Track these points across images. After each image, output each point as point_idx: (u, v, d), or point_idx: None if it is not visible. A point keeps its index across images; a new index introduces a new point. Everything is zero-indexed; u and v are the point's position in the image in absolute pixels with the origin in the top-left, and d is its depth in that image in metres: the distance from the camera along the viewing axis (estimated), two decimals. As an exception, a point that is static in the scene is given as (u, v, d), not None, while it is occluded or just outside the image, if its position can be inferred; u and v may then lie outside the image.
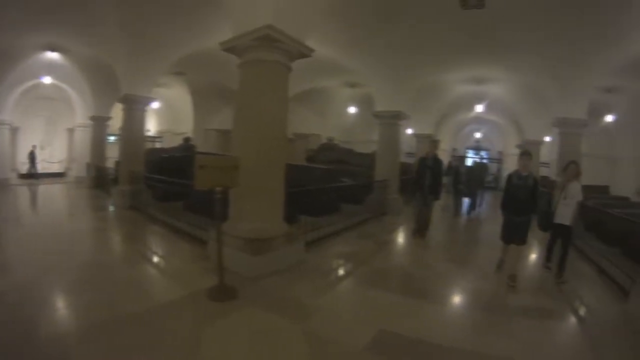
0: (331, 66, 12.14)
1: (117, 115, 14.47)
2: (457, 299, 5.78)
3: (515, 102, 16.98)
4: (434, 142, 9.39)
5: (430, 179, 8.74)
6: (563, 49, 9.25)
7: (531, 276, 6.94)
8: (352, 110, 20.41)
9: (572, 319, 5.25)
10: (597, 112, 15.41)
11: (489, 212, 14.88)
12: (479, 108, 17.94)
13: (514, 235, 6.30)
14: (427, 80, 13.00)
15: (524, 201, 6.14)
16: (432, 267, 7.08)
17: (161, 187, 9.69)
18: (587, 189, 14.74)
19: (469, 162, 24.39)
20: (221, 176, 4.91)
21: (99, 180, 15.52)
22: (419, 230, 9.14)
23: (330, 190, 9.98)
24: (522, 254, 6.60)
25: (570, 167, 6.67)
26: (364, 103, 18.71)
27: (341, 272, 6.61)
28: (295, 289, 5.37)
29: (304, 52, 6.41)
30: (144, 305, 4.47)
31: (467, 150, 31.13)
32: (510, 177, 6.41)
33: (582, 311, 5.59)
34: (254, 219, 5.90)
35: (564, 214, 6.54)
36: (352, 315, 4.73)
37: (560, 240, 6.78)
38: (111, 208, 11.37)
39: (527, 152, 6.55)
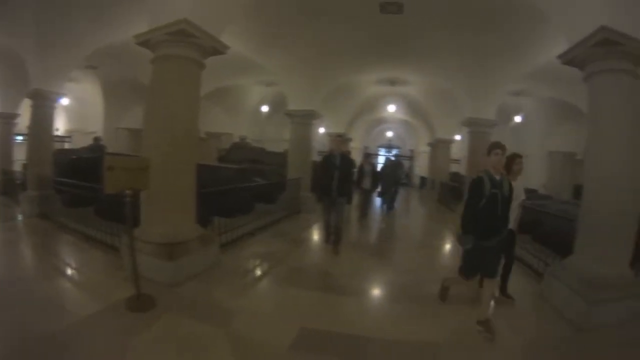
0: (245, 64, 11.81)
1: (25, 112, 13.23)
2: (377, 292, 5.93)
3: (427, 103, 17.66)
4: (340, 138, 8.31)
5: (338, 180, 7.49)
6: (476, 54, 9.75)
7: (446, 266, 7.22)
8: (265, 108, 20.26)
9: (492, 303, 5.51)
10: (506, 113, 16.52)
11: (403, 208, 15.30)
12: (392, 108, 18.46)
13: (483, 264, 4.53)
14: (342, 80, 13.14)
15: (502, 217, 4.38)
16: (349, 264, 7.09)
17: (70, 191, 9.03)
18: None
19: (379, 159, 25.07)
20: (131, 178, 4.64)
21: (6, 185, 14.27)
22: (333, 242, 7.83)
23: (243, 190, 9.77)
24: (494, 289, 4.91)
25: (517, 162, 5.33)
26: (278, 102, 18.55)
27: (258, 272, 6.54)
28: (215, 292, 5.23)
29: (219, 49, 6.25)
30: (60, 324, 4.07)
31: (378, 149, 32.07)
32: (480, 183, 4.32)
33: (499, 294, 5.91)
34: (166, 222, 5.66)
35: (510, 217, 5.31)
36: (274, 315, 4.68)
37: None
38: (19, 217, 10.40)
39: (500, 145, 4.44)
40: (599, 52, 4.94)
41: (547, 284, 5.67)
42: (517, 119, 17.87)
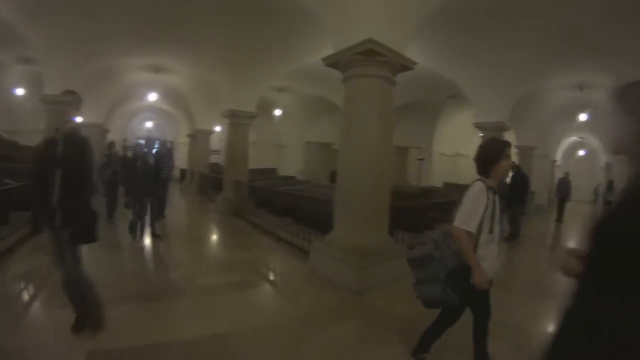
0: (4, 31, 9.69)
1: None
2: (157, 294, 5.47)
3: (190, 93, 17.61)
4: (72, 95, 4.36)
5: (60, 190, 3.68)
6: (244, 49, 10.15)
7: (221, 258, 7.55)
8: (21, 92, 16.36)
9: (267, 285, 6.09)
10: (267, 106, 17.71)
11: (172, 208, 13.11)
12: (153, 97, 17.97)
13: None
14: (106, 63, 12.16)
15: None
16: (121, 270, 6.51)
17: None
18: (257, 172, 16.94)
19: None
20: None
21: None
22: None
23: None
24: None
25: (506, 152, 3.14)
26: (38, 84, 15.84)
27: (28, 298, 5.23)
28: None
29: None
30: None
31: (138, 141, 30.62)
32: None
33: (272, 276, 6.52)
34: None
35: (493, 255, 3.15)
36: (57, 344, 3.89)
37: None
38: None
39: None
40: (362, 59, 5.82)
41: (314, 259, 6.45)
42: (278, 112, 19.25)
